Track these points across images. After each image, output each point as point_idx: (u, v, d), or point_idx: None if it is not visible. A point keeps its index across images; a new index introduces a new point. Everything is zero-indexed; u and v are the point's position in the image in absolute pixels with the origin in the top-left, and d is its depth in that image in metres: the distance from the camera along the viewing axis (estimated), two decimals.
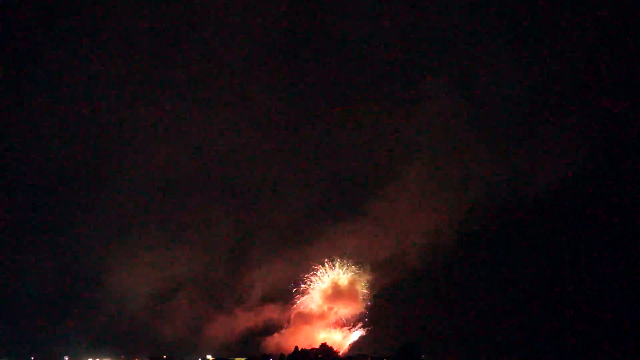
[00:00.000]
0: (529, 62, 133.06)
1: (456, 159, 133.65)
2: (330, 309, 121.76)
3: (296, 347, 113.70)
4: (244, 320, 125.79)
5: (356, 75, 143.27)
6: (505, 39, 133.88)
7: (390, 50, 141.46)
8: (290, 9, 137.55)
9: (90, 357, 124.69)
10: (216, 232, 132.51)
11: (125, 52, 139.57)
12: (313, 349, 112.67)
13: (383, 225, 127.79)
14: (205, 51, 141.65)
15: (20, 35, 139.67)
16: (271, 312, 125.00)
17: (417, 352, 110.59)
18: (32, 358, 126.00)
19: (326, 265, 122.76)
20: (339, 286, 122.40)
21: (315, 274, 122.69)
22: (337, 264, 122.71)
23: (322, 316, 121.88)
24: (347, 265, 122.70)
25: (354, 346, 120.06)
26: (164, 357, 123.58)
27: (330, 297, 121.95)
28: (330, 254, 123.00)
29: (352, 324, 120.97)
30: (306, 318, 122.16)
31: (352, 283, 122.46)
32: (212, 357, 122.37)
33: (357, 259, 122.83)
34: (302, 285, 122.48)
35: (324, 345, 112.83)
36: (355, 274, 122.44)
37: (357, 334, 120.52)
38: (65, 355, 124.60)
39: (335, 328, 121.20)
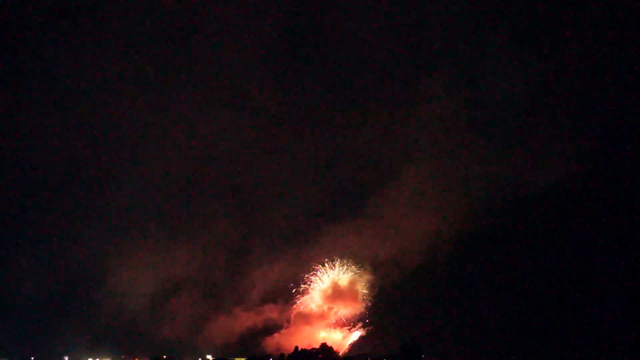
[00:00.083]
0: (528, 62, 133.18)
1: (456, 159, 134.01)
2: (330, 309, 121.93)
3: (296, 347, 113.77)
4: (244, 320, 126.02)
5: (356, 76, 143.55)
6: (505, 39, 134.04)
7: (390, 50, 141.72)
8: (290, 10, 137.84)
9: (90, 357, 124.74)
10: (216, 232, 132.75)
11: (125, 53, 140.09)
12: (313, 349, 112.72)
13: (383, 225, 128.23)
14: (206, 52, 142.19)
15: (22, 36, 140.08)
16: (271, 312, 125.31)
17: (417, 352, 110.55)
18: (32, 358, 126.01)
19: (326, 265, 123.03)
20: (339, 286, 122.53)
21: (315, 274, 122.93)
22: (337, 264, 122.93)
23: (322, 316, 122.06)
24: (347, 265, 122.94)
25: (354, 346, 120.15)
26: (164, 357, 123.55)
27: (330, 297, 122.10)
28: (330, 254, 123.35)
29: (352, 324, 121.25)
30: (306, 318, 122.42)
31: (352, 283, 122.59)
32: (212, 357, 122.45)
33: (357, 259, 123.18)
34: (302, 285, 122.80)
35: (324, 345, 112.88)
36: (355, 274, 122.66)
37: (357, 334, 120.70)
38: (65, 355, 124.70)
39: (335, 328, 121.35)
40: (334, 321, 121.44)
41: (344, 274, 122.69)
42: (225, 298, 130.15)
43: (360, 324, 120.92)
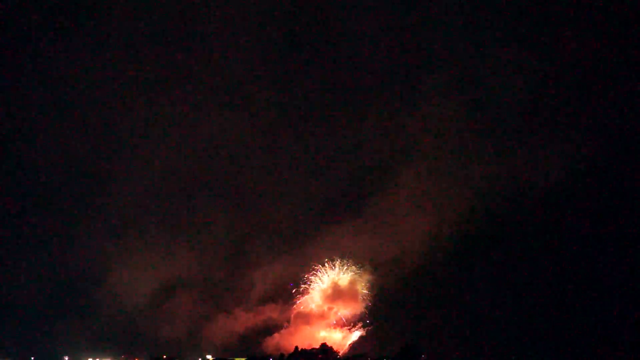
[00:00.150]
0: (528, 62, 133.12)
1: (456, 159, 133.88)
2: (330, 309, 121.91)
3: (296, 347, 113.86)
4: (244, 320, 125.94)
5: (356, 76, 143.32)
6: (505, 39, 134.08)
7: (390, 50, 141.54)
8: (290, 10, 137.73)
9: (90, 357, 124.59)
10: (216, 232, 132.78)
11: (124, 52, 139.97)
12: (313, 349, 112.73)
13: (383, 226, 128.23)
14: (206, 52, 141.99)
15: (22, 36, 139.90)
16: (271, 312, 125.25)
17: (417, 353, 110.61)
18: (32, 358, 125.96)
19: (326, 265, 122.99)
20: (339, 286, 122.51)
21: (315, 274, 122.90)
22: (337, 264, 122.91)
23: (322, 316, 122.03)
24: (347, 265, 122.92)
25: (354, 346, 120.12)
26: (164, 357, 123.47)
27: (330, 297, 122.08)
28: (330, 254, 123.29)
29: (352, 324, 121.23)
30: (306, 318, 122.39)
31: (352, 283, 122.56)
32: (212, 357, 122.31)
33: (357, 259, 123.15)
34: (302, 285, 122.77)
35: (324, 345, 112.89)
36: (355, 274, 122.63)
37: (357, 334, 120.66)
38: (65, 355, 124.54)
39: (335, 328, 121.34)
40: (334, 321, 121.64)
41: (344, 274, 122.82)
42: (225, 298, 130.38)
43: (360, 324, 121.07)
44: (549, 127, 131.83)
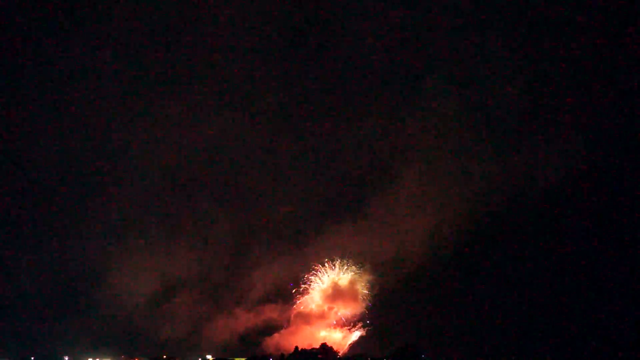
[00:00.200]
0: (529, 62, 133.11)
1: (456, 159, 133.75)
2: (330, 309, 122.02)
3: (296, 347, 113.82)
4: (244, 320, 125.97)
5: (356, 76, 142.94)
6: (505, 39, 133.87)
7: (390, 49, 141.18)
8: (290, 9, 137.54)
9: (90, 357, 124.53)
10: (216, 232, 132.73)
11: (124, 52, 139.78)
12: (313, 349, 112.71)
13: (383, 226, 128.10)
14: (206, 51, 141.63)
15: (22, 36, 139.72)
16: (271, 312, 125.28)
17: (416, 353, 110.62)
18: (32, 358, 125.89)
19: (326, 265, 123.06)
20: (339, 286, 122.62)
21: (315, 274, 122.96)
22: (337, 264, 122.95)
23: (322, 316, 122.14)
24: (347, 265, 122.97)
25: (354, 346, 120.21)
26: (164, 357, 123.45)
27: (330, 297, 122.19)
28: (330, 254, 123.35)
29: (352, 324, 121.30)
30: (306, 318, 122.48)
31: (352, 283, 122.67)
32: (212, 357, 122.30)
33: (357, 259, 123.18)
34: (302, 285, 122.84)
35: (324, 345, 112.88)
36: (356, 274, 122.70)
37: (357, 334, 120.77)
38: (65, 355, 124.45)
39: (335, 328, 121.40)
40: (334, 321, 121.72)
41: (344, 274, 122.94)
42: (225, 298, 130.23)
43: (360, 324, 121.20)
44: (549, 127, 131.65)
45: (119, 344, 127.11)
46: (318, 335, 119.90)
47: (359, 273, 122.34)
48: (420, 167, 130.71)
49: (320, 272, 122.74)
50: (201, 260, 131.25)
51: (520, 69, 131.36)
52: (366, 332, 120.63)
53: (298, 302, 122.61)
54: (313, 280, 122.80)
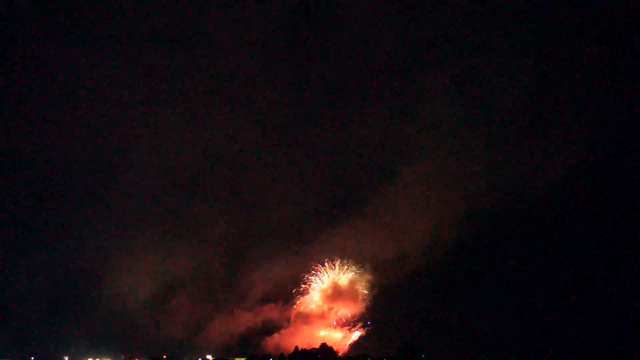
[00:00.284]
0: (529, 62, 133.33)
1: (456, 159, 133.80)
2: (330, 309, 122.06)
3: (296, 347, 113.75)
4: (244, 320, 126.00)
5: (356, 76, 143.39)
6: (506, 39, 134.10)
7: (390, 50, 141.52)
8: (290, 9, 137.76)
9: (90, 357, 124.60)
10: (216, 232, 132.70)
11: (124, 52, 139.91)
12: (313, 349, 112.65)
13: (383, 225, 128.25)
14: (206, 52, 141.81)
15: (25, 38, 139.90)
16: (271, 312, 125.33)
17: (417, 352, 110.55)
18: (32, 358, 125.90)
19: (326, 265, 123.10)
20: (339, 286, 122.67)
21: (315, 274, 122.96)
22: (337, 264, 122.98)
23: (322, 316, 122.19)
24: (347, 265, 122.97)
25: (354, 346, 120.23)
26: (164, 357, 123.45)
27: (330, 297, 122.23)
28: (330, 254, 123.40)
29: (352, 324, 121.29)
30: (306, 318, 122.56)
31: (352, 283, 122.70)
32: (212, 357, 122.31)
33: (357, 259, 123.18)
34: (302, 285, 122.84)
35: (324, 345, 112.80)
36: (355, 274, 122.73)
37: (357, 334, 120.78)
38: (65, 355, 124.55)
39: (335, 328, 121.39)
40: (334, 321, 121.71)
41: (344, 274, 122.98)
42: (225, 298, 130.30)
43: (360, 324, 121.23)
44: (549, 127, 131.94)
45: (119, 344, 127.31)
46: (318, 335, 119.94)
47: (359, 273, 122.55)
48: (420, 167, 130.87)
49: (320, 272, 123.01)
50: (201, 260, 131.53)
51: (520, 69, 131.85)
52: (366, 332, 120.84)
53: (298, 302, 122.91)
54: (313, 280, 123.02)
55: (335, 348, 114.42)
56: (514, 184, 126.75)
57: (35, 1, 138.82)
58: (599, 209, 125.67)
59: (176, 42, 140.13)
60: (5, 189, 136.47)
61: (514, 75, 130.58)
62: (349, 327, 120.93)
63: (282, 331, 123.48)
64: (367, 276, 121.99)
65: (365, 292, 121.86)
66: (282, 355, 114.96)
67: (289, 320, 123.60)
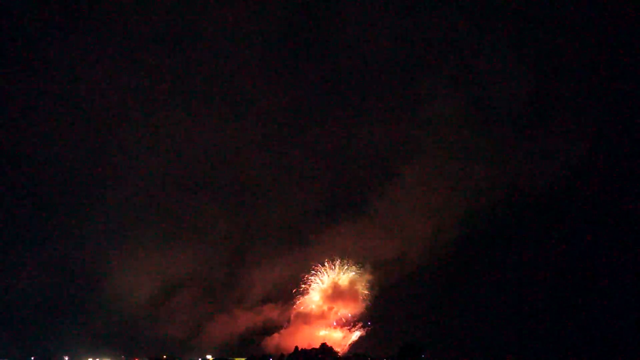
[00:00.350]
0: (529, 62, 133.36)
1: (456, 159, 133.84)
2: (330, 309, 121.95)
3: (296, 347, 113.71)
4: (244, 320, 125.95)
5: (357, 76, 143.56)
6: (505, 39, 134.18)
7: (390, 50, 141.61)
8: (290, 9, 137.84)
9: (90, 357, 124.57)
10: (216, 232, 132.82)
11: (125, 52, 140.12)
12: (313, 349, 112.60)
13: (383, 225, 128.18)
14: (206, 52, 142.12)
15: (26, 39, 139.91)
16: (271, 312, 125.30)
17: (417, 352, 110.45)
18: (32, 358, 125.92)
19: (326, 265, 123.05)
20: (339, 286, 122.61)
21: (315, 274, 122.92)
22: (337, 264, 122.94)
23: (322, 316, 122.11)
24: (347, 265, 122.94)
25: (354, 346, 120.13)
26: (164, 357, 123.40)
27: (330, 297, 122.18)
28: (330, 254, 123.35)
29: (352, 324, 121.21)
30: (306, 318, 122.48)
31: (352, 283, 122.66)
32: (212, 357, 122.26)
33: (357, 259, 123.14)
34: (302, 285, 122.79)
35: (324, 345, 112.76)
36: (356, 274, 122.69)
37: (357, 334, 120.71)
38: (65, 355, 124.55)
39: (335, 328, 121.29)
40: (334, 321, 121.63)
41: (344, 274, 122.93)
42: (225, 298, 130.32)
43: (360, 324, 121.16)
44: (549, 127, 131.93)
45: (119, 344, 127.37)
46: (318, 335, 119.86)
47: (359, 273, 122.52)
48: (420, 167, 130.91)
49: (320, 272, 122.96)
50: (201, 260, 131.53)
51: (520, 69, 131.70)
52: (366, 332, 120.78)
53: (298, 302, 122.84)
54: (313, 280, 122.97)
55: (335, 348, 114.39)
56: (514, 184, 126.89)
57: (35, 1, 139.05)
58: (599, 208, 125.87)
59: (176, 42, 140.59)
60: (5, 189, 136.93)
61: (514, 75, 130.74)
62: (349, 327, 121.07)
63: (282, 331, 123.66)
64: (367, 276, 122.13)
65: (365, 292, 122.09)
66: (282, 355, 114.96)
67: (289, 320, 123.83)
